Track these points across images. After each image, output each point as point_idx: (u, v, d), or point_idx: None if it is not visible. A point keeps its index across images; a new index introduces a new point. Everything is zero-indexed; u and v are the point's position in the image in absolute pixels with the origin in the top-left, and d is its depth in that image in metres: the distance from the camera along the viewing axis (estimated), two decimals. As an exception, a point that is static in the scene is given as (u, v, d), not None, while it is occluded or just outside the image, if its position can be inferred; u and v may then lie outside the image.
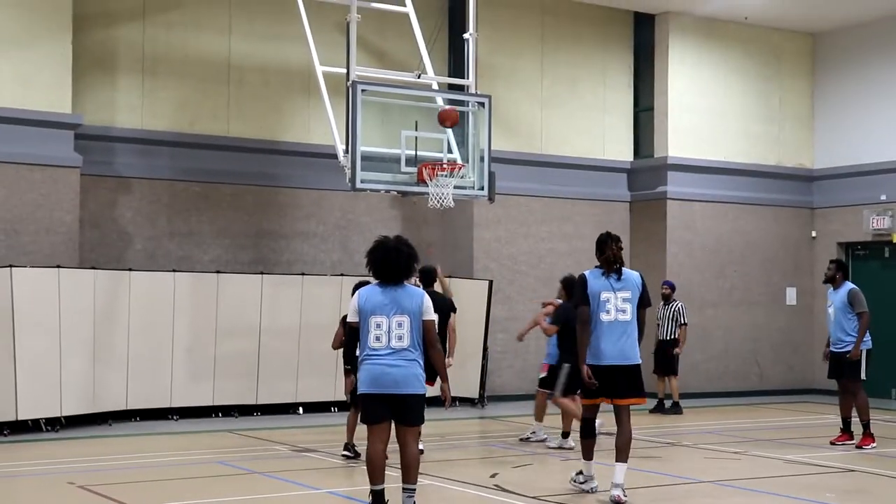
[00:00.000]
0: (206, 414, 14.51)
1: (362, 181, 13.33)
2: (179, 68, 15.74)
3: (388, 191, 14.09)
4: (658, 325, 16.18)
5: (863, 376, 12.31)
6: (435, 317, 7.88)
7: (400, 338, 7.69)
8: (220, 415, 14.60)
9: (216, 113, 15.94)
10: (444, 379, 7.99)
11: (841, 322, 12.31)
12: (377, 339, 7.69)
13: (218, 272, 14.85)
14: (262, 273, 15.18)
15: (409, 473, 7.78)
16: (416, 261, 7.93)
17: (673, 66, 18.40)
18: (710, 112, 18.74)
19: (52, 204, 14.12)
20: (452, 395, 15.13)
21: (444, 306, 11.53)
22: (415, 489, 7.81)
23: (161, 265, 15.18)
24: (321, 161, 15.88)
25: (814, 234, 19.56)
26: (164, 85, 15.64)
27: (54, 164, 14.15)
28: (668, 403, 16.04)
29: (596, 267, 9.18)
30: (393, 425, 7.80)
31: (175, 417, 14.26)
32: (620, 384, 9.00)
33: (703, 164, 18.57)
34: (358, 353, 7.96)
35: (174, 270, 14.63)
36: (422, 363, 7.78)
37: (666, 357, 16.07)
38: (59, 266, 13.30)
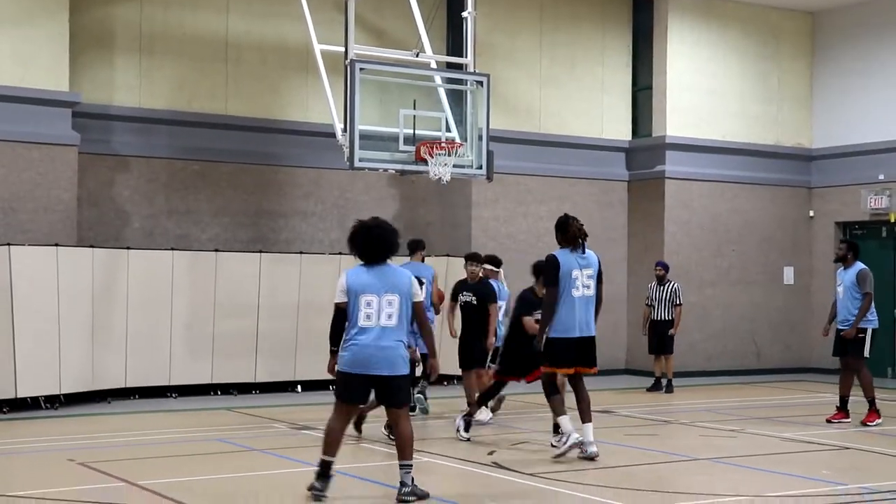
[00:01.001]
0: (204, 392, 14.55)
1: (360, 160, 13.34)
2: (177, 47, 15.71)
3: (386, 169, 14.09)
4: (652, 305, 16.19)
5: (866, 354, 12.43)
6: (422, 298, 8.05)
7: (389, 316, 7.77)
8: (219, 393, 14.65)
9: (214, 91, 15.92)
10: (433, 355, 8.20)
11: (848, 302, 12.39)
12: (367, 317, 7.75)
13: (216, 251, 14.86)
14: (260, 252, 15.20)
15: (405, 452, 7.88)
16: (397, 236, 8.02)
17: (671, 45, 18.37)
18: (709, 91, 18.73)
19: (49, 182, 14.12)
20: (451, 373, 15.27)
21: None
22: (412, 465, 7.89)
23: (159, 244, 15.19)
24: (319, 140, 15.87)
25: (811, 213, 19.58)
26: (161, 63, 15.61)
27: (52, 142, 14.13)
28: (664, 382, 16.08)
29: (561, 248, 9.66)
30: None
31: (174, 395, 14.30)
32: (587, 355, 9.68)
33: (701, 144, 18.58)
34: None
35: (172, 249, 14.64)
36: (406, 344, 7.90)
37: (661, 337, 16.09)
38: (57, 244, 13.31)
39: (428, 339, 8.19)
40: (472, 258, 12.60)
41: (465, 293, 12.36)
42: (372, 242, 7.89)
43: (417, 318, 7.96)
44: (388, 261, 7.96)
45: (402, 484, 7.84)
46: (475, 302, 12.24)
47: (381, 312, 7.76)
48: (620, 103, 18.87)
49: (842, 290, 12.52)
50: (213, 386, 14.66)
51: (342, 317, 7.86)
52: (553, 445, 9.77)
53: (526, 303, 11.01)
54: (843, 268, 12.60)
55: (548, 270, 9.64)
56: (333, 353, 8.00)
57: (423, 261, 13.34)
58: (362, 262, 7.95)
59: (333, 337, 7.94)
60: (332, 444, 7.90)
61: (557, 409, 9.79)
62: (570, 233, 9.65)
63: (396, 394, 7.85)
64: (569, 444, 9.58)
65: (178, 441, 11.03)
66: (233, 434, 11.40)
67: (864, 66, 18.80)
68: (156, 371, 14.22)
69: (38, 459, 10.03)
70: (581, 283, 9.58)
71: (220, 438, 11.11)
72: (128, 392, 14.06)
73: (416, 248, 13.27)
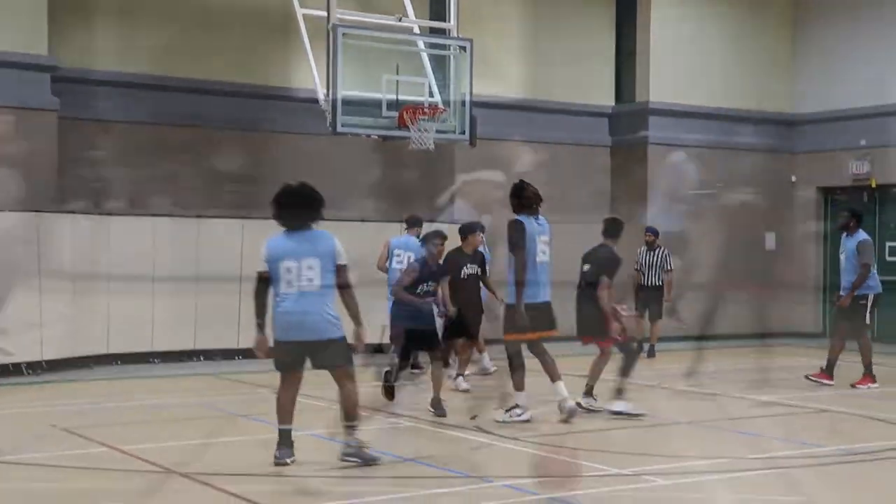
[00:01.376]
0: (187, 358, 14.54)
1: (343, 125, 13.30)
2: (158, 11, 15.56)
3: (368, 135, 14.04)
4: (641, 271, 16.20)
5: (867, 321, 12.55)
6: (346, 261, 7.77)
7: (311, 280, 7.65)
8: (202, 359, 14.63)
9: (195, 56, 15.79)
10: (359, 323, 7.90)
11: (849, 270, 12.46)
12: (289, 283, 7.66)
13: (198, 216, 14.81)
14: (243, 218, 15.14)
15: (349, 412, 7.90)
16: (321, 204, 7.85)
17: (655, 10, 18.33)
18: (692, 57, 18.70)
19: (29, 148, 13.99)
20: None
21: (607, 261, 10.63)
22: (356, 426, 7.91)
23: (141, 209, 15.12)
24: (302, 105, 15.74)
25: (793, 179, 19.63)
26: (142, 28, 15.46)
27: (31, 106, 14.02)
28: (646, 347, 16.13)
29: (517, 214, 9.59)
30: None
31: (156, 361, 14.29)
32: (548, 319, 9.71)
33: (684, 109, 18.58)
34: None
35: (154, 215, 14.58)
36: (332, 306, 7.73)
37: (649, 303, 16.12)
38: (37, 210, 13.24)
39: (350, 306, 7.84)
40: (474, 229, 12.43)
41: (469, 265, 12.24)
42: (292, 208, 7.77)
43: (339, 281, 7.73)
44: (313, 226, 7.79)
45: (347, 444, 7.88)
46: (479, 273, 12.24)
47: (301, 277, 7.63)
48: (604, 69, 18.83)
49: (844, 259, 12.60)
50: (196, 352, 14.65)
51: (264, 286, 7.78)
52: (510, 416, 9.74)
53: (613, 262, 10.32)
54: (846, 235, 12.66)
55: (515, 235, 9.53)
56: (259, 327, 7.81)
57: (418, 236, 13.31)
58: (284, 229, 7.82)
59: (258, 308, 7.79)
60: (283, 414, 7.98)
61: (519, 384, 9.71)
62: (526, 198, 9.58)
63: (331, 356, 7.79)
64: (519, 419, 9.62)
65: (162, 407, 11.03)
66: (216, 399, 11.41)
67: (846, 33, 18.79)
68: (138, 337, 14.20)
69: (21, 425, 10.01)
70: (540, 248, 9.58)
71: (204, 404, 11.12)
72: (110, 358, 14.04)
73: (413, 223, 13.37)
